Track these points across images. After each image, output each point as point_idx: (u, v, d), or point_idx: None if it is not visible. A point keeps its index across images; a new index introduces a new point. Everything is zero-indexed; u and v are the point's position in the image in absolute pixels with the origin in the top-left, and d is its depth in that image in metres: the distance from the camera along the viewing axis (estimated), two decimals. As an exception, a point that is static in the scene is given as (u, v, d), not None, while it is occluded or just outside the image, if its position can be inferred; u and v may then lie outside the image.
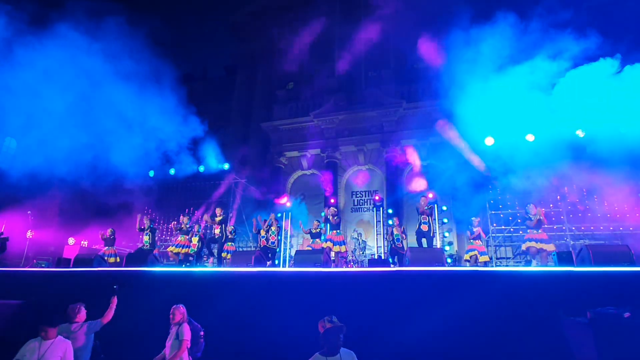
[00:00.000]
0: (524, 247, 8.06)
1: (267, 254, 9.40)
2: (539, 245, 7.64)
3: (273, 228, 9.90)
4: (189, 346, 4.42)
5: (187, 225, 10.16)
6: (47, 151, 11.52)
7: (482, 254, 8.49)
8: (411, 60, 15.79)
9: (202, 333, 4.70)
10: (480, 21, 10.69)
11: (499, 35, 10.23)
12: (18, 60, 11.19)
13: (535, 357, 4.46)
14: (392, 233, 9.40)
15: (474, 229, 8.69)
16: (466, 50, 10.63)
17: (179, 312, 4.62)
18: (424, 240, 8.98)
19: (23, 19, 10.83)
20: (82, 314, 4.90)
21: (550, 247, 7.58)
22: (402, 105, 15.18)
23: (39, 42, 11.24)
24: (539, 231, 7.85)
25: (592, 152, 9.85)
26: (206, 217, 10.47)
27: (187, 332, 4.44)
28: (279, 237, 10.27)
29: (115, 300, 5.05)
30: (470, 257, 8.49)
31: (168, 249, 10.34)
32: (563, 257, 6.40)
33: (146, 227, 10.17)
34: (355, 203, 15.87)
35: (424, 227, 8.87)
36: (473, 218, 8.92)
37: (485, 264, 8.43)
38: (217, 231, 10.05)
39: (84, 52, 11.69)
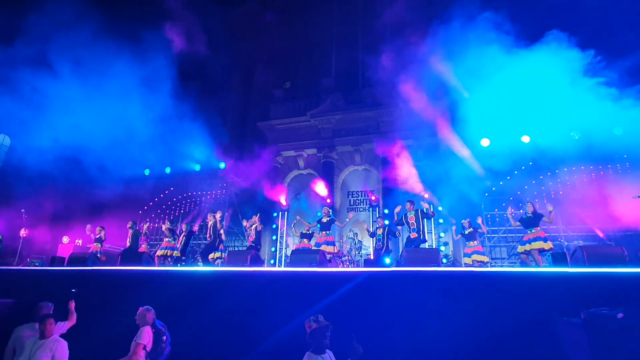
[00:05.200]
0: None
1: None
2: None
3: (253, 227, 9.54)
4: (147, 349, 4.40)
5: (172, 227, 9.99)
6: (40, 149, 11.43)
7: (480, 253, 8.49)
8: (408, 60, 15.80)
9: (164, 338, 4.63)
10: (477, 21, 10.73)
11: (496, 36, 10.27)
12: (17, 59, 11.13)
13: (529, 357, 4.48)
14: (374, 233, 9.13)
15: (466, 231, 8.75)
16: (464, 51, 10.66)
17: (141, 313, 4.58)
18: None
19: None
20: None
21: (549, 245, 7.42)
22: (399, 105, 15.17)
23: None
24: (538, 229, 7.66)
25: (587, 154, 9.92)
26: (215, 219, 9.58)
27: (145, 336, 4.43)
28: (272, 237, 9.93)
29: (73, 304, 4.95)
30: (472, 261, 8.40)
31: (157, 253, 9.99)
32: (557, 258, 6.43)
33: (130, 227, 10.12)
34: (351, 203, 15.86)
35: (413, 235, 8.39)
36: (463, 220, 8.92)
37: (484, 264, 8.41)
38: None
39: (81, 50, 11.63)
